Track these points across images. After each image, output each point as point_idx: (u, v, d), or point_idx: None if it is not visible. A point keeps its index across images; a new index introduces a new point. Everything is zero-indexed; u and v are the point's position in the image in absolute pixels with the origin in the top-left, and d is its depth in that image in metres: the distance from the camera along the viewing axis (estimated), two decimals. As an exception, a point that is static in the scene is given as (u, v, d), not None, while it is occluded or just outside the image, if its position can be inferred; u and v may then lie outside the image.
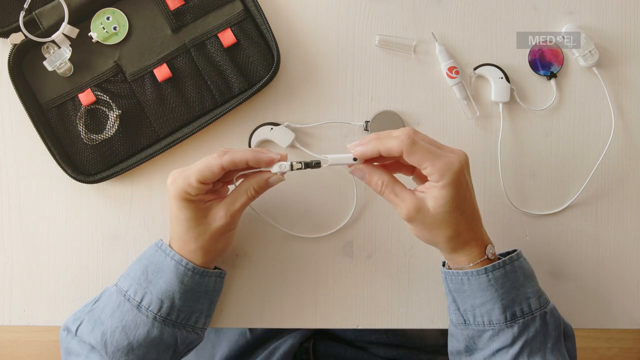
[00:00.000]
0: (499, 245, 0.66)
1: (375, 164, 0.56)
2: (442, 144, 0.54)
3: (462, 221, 0.53)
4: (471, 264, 0.55)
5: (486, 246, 0.56)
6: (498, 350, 0.56)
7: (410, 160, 0.52)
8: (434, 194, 0.52)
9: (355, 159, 0.54)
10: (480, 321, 0.56)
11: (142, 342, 0.56)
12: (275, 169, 0.55)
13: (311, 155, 0.65)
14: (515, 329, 0.55)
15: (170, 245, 0.58)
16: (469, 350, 0.58)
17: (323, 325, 0.66)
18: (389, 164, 0.57)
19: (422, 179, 0.55)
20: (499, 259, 0.56)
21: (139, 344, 0.56)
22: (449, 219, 0.53)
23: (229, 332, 0.78)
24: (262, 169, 0.56)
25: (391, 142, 0.51)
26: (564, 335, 0.59)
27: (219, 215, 0.56)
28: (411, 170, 0.57)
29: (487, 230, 0.63)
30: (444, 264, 0.60)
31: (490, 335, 0.56)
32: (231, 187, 0.60)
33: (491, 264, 0.55)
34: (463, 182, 0.52)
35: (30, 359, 1.39)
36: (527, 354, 0.55)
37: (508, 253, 0.58)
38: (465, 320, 0.57)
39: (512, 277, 0.55)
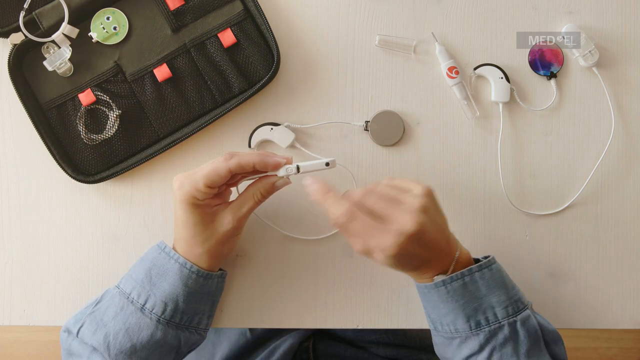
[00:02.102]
0: (499, 245, 0.66)
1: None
2: (396, 202, 0.52)
3: (415, 262, 0.53)
4: (435, 280, 0.56)
5: (453, 256, 0.56)
6: (468, 357, 0.56)
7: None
8: (378, 257, 0.51)
9: (327, 164, 0.54)
10: (447, 329, 0.57)
11: (146, 345, 0.56)
12: (282, 172, 0.55)
13: (311, 156, 0.65)
14: (482, 336, 0.55)
15: (174, 248, 0.58)
16: (445, 355, 0.60)
17: (323, 325, 0.66)
18: None
19: None
20: (476, 262, 0.57)
21: (142, 346, 0.56)
22: (401, 268, 0.54)
23: (229, 332, 0.78)
24: (269, 173, 0.56)
25: (332, 207, 0.52)
26: (548, 341, 0.58)
27: (226, 220, 0.56)
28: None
29: (487, 229, 0.63)
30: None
31: (458, 342, 0.56)
32: (233, 190, 0.60)
33: (448, 277, 0.55)
34: (404, 255, 0.51)
35: (30, 359, 1.39)
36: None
37: (485, 258, 0.58)
38: (435, 327, 0.59)
39: (472, 288, 0.55)
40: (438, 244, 0.54)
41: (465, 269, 0.55)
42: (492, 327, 0.55)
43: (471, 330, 0.55)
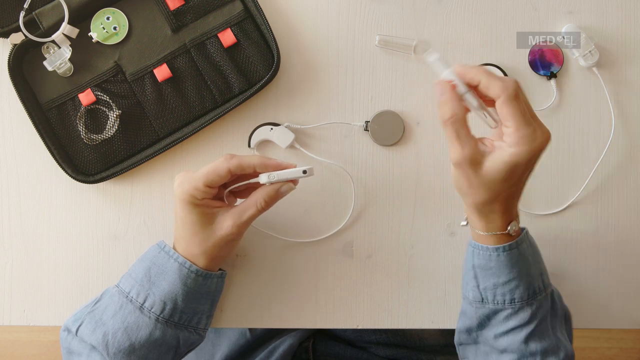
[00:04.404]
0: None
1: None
2: (536, 115, 0.50)
3: (504, 193, 0.50)
4: (489, 233, 0.54)
5: (510, 222, 0.53)
6: (513, 329, 0.55)
7: (500, 110, 0.48)
8: (499, 156, 0.48)
9: (305, 172, 0.53)
10: (501, 299, 0.55)
11: (144, 344, 0.56)
12: (263, 179, 0.54)
13: (310, 157, 0.65)
14: (535, 306, 0.54)
15: (174, 247, 0.58)
16: (481, 326, 0.58)
17: (323, 325, 0.66)
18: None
19: (499, 136, 0.51)
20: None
21: (140, 345, 0.56)
22: (494, 187, 0.50)
23: (229, 332, 0.78)
24: (251, 181, 0.55)
25: (495, 82, 0.47)
26: (565, 317, 0.59)
27: (225, 224, 0.55)
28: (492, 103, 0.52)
29: (487, 230, 0.63)
30: (466, 224, 0.58)
31: (507, 314, 0.55)
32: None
33: (519, 237, 0.53)
34: (532, 161, 0.49)
35: (30, 359, 1.39)
36: (539, 333, 0.55)
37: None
38: (483, 299, 0.56)
39: (531, 252, 0.55)
40: (521, 190, 0.52)
41: (525, 230, 0.55)
42: (542, 295, 0.55)
43: (528, 299, 0.54)
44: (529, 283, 0.54)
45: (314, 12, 0.66)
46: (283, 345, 0.74)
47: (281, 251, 0.66)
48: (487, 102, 0.51)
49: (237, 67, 0.64)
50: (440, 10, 0.67)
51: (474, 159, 0.49)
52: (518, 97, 0.47)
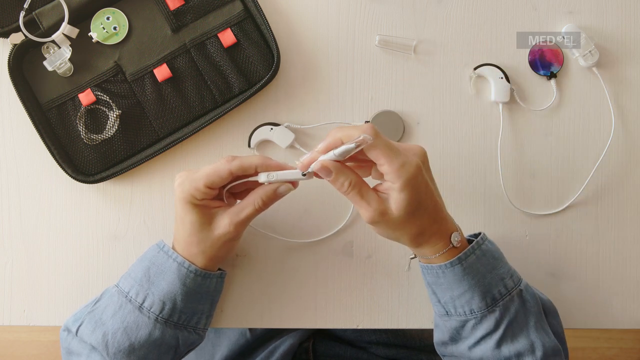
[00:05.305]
0: (499, 245, 0.66)
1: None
2: (399, 143, 0.53)
3: (424, 218, 0.52)
4: (437, 255, 0.55)
5: (451, 235, 0.55)
6: (483, 337, 0.55)
7: (369, 153, 0.50)
8: (393, 197, 0.50)
9: (304, 174, 0.53)
10: (462, 311, 0.56)
11: (144, 344, 0.56)
12: (262, 178, 0.54)
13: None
14: (497, 313, 0.55)
15: (173, 247, 0.58)
16: (454, 340, 0.58)
17: (323, 325, 0.66)
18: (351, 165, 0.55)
19: (380, 176, 0.53)
20: (469, 241, 0.56)
21: (140, 345, 0.56)
22: (412, 219, 0.52)
23: (229, 332, 0.78)
24: (250, 179, 0.55)
25: (352, 130, 0.50)
26: (547, 312, 0.59)
27: (223, 223, 0.55)
28: (368, 170, 0.55)
29: (487, 229, 0.63)
30: (414, 256, 0.60)
31: (473, 323, 0.56)
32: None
33: (463, 252, 0.54)
34: (421, 182, 0.51)
35: (30, 359, 1.39)
36: (511, 336, 0.55)
37: (472, 237, 0.58)
38: (447, 312, 0.57)
39: (484, 261, 0.55)
40: (436, 205, 0.53)
41: (474, 242, 0.55)
42: (505, 300, 0.55)
43: (487, 307, 0.55)
44: (485, 292, 0.55)
45: (314, 12, 0.66)
46: (283, 346, 0.74)
47: (281, 251, 0.66)
48: (358, 167, 0.55)
49: (237, 67, 0.64)
50: (440, 10, 0.67)
51: (381, 210, 0.51)
52: (378, 136, 0.50)
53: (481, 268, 0.55)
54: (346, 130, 0.51)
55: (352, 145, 0.49)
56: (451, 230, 0.55)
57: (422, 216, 0.52)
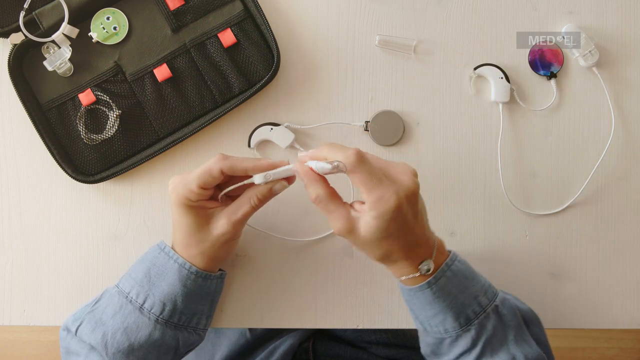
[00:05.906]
0: (499, 245, 0.66)
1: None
2: (392, 166, 0.52)
3: (394, 246, 0.51)
4: (405, 278, 0.54)
5: (421, 262, 0.54)
6: (461, 354, 0.55)
7: (351, 177, 0.50)
8: (366, 220, 0.50)
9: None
10: (437, 330, 0.56)
11: (144, 344, 0.56)
12: (257, 179, 0.54)
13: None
14: (473, 331, 0.54)
15: (173, 248, 0.58)
16: (435, 354, 0.59)
17: (323, 325, 0.66)
18: None
19: None
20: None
21: (140, 345, 0.56)
22: (378, 244, 0.51)
23: (228, 332, 0.78)
24: (246, 182, 0.55)
25: (338, 153, 0.50)
26: (526, 322, 0.58)
27: (220, 222, 0.55)
28: None
29: (487, 229, 0.63)
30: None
31: (449, 342, 0.56)
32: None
33: (432, 276, 0.54)
34: (398, 217, 0.49)
35: (30, 359, 1.39)
36: (490, 353, 0.55)
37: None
38: (425, 328, 0.57)
39: (455, 282, 0.54)
40: (415, 237, 0.52)
41: (443, 264, 0.55)
42: (480, 318, 0.55)
43: (461, 327, 0.54)
44: (459, 312, 0.54)
45: (314, 12, 0.66)
46: (283, 346, 0.74)
47: (281, 251, 0.66)
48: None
49: (237, 67, 0.64)
50: (440, 10, 0.67)
51: (348, 229, 0.50)
52: (362, 161, 0.49)
53: (453, 289, 0.54)
54: (333, 151, 0.50)
55: (329, 166, 0.49)
56: (424, 257, 0.54)
57: (391, 244, 0.51)
